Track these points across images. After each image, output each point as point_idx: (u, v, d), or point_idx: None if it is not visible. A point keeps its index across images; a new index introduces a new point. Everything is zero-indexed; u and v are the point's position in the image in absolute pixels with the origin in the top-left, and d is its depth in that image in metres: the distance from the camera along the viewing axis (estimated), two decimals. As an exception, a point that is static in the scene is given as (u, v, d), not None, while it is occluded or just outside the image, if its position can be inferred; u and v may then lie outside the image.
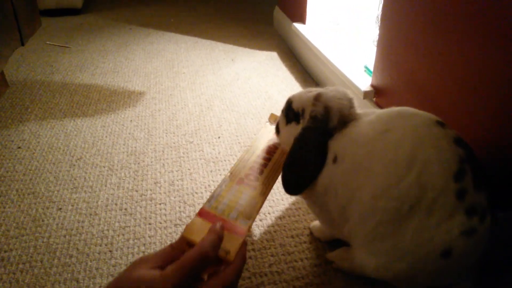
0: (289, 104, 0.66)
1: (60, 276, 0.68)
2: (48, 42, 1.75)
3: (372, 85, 0.99)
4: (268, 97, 1.28)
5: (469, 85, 0.66)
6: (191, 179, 0.91)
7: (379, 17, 1.11)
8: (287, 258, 0.71)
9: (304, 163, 0.59)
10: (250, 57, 1.60)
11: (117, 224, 0.78)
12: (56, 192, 0.87)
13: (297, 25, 1.50)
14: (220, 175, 0.93)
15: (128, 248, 0.73)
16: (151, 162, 0.97)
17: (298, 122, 0.63)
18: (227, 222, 0.53)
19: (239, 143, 1.04)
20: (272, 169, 0.66)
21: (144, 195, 0.86)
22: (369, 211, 0.52)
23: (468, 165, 0.48)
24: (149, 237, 0.76)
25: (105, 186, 0.89)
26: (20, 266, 0.69)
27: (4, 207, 0.82)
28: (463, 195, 0.47)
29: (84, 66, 1.53)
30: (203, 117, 1.17)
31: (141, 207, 0.83)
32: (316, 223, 0.75)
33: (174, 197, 0.85)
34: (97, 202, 0.84)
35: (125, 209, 0.82)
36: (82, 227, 0.78)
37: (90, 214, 0.81)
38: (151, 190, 0.88)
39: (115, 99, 1.28)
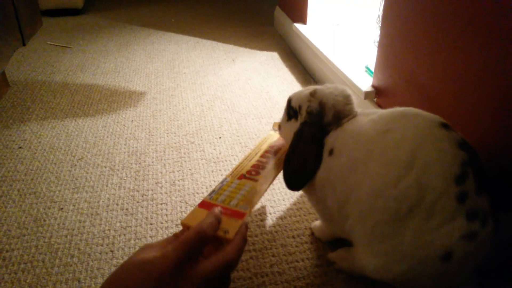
0: (289, 102, 0.68)
1: (62, 276, 0.68)
2: (49, 42, 1.75)
3: (373, 86, 0.99)
4: (268, 97, 1.28)
5: (470, 86, 0.66)
6: (192, 179, 0.91)
7: (380, 17, 1.11)
8: (288, 258, 0.71)
9: (302, 156, 0.60)
10: (251, 58, 1.61)
11: (118, 224, 0.79)
12: (57, 192, 0.87)
13: (298, 25, 1.50)
14: (221, 175, 0.93)
15: (129, 248, 0.73)
16: (152, 162, 0.97)
17: (297, 118, 0.66)
18: (227, 209, 0.53)
19: (240, 143, 1.04)
20: (275, 165, 0.67)
21: (145, 195, 0.86)
22: (368, 210, 0.52)
23: (470, 169, 0.48)
24: (151, 237, 0.76)
25: (107, 186, 0.89)
26: (22, 266, 0.70)
27: (6, 207, 0.82)
28: (464, 198, 0.47)
29: (85, 66, 1.53)
30: (204, 118, 1.17)
31: (142, 207, 0.83)
32: (317, 223, 0.75)
33: (175, 197, 0.86)
34: (98, 202, 0.84)
35: (127, 209, 0.82)
36: (84, 227, 0.78)
37: (92, 214, 0.81)
38: (152, 190, 0.88)
39: (116, 99, 1.28)
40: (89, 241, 0.74)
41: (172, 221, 0.79)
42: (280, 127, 0.74)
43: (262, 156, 0.69)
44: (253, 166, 0.66)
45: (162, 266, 0.41)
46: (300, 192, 0.86)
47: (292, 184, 0.63)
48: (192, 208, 0.82)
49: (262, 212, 0.81)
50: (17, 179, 0.91)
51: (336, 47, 1.27)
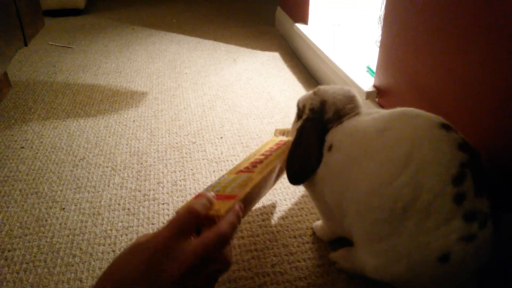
0: (297, 104, 0.71)
1: (64, 275, 0.68)
2: (50, 43, 1.75)
3: (374, 86, 0.99)
4: (270, 97, 1.28)
5: (472, 86, 0.66)
6: (193, 179, 0.91)
7: (382, 17, 1.11)
8: (289, 258, 0.71)
9: (304, 150, 0.62)
10: (252, 58, 1.61)
11: (120, 224, 0.79)
12: (59, 192, 0.87)
13: (299, 26, 1.50)
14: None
15: (131, 248, 0.73)
16: (154, 162, 0.97)
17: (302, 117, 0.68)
18: (221, 195, 0.54)
19: (241, 143, 1.04)
20: (276, 156, 0.68)
21: (147, 195, 0.86)
22: (364, 208, 0.52)
23: (469, 170, 0.47)
24: (152, 237, 0.76)
25: (108, 186, 0.89)
26: (24, 265, 0.70)
27: (8, 207, 0.83)
28: (461, 199, 0.46)
29: (86, 66, 1.53)
30: (206, 118, 1.17)
31: (144, 207, 0.83)
32: (318, 223, 0.75)
33: (177, 197, 0.86)
34: (100, 202, 0.84)
35: (128, 209, 0.83)
36: (85, 227, 0.78)
37: (93, 214, 0.81)
38: (154, 190, 0.88)
39: (117, 99, 1.28)
40: (91, 241, 0.75)
41: (173, 221, 0.79)
42: (284, 133, 0.77)
43: (261, 155, 0.69)
44: (251, 162, 0.66)
45: (154, 244, 0.42)
46: (302, 192, 0.86)
47: (293, 178, 0.65)
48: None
49: (264, 212, 0.81)
50: (19, 179, 0.91)
51: (338, 47, 1.27)
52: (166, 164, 0.96)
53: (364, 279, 0.65)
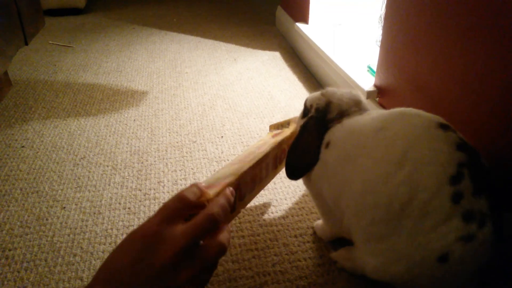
0: (304, 103, 0.71)
1: (64, 274, 0.68)
2: (51, 42, 1.75)
3: (375, 85, 0.99)
4: (270, 97, 1.28)
5: (472, 85, 0.66)
6: (194, 179, 0.91)
7: (382, 17, 1.11)
8: (290, 257, 0.71)
9: (305, 146, 0.64)
10: (252, 57, 1.61)
11: (121, 223, 0.79)
12: (60, 191, 0.87)
13: (299, 25, 1.50)
14: (223, 174, 0.93)
15: (131, 247, 0.73)
16: (154, 161, 0.97)
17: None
18: (212, 185, 0.54)
19: (242, 142, 1.05)
20: (272, 144, 0.69)
21: (148, 194, 0.87)
22: (361, 207, 0.52)
23: (467, 170, 0.47)
24: (153, 236, 0.76)
25: (109, 185, 0.89)
26: (24, 264, 0.70)
27: (8, 206, 0.83)
28: (459, 199, 0.46)
29: (87, 65, 1.53)
30: (206, 117, 1.17)
31: (144, 206, 0.83)
32: (319, 222, 0.75)
33: (178, 197, 0.86)
34: (100, 201, 0.84)
35: (129, 208, 0.83)
36: (86, 226, 0.78)
37: (94, 213, 0.81)
38: (154, 189, 0.88)
39: (118, 99, 1.28)
40: (92, 240, 0.75)
41: (174, 220, 0.79)
42: (279, 127, 0.79)
43: (255, 147, 0.70)
44: (245, 155, 0.67)
45: (144, 230, 0.43)
46: (303, 192, 0.86)
47: (291, 172, 0.66)
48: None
49: (264, 211, 0.81)
50: (19, 178, 0.91)
51: (338, 47, 1.27)
52: (166, 163, 0.96)
53: (364, 278, 0.65)
